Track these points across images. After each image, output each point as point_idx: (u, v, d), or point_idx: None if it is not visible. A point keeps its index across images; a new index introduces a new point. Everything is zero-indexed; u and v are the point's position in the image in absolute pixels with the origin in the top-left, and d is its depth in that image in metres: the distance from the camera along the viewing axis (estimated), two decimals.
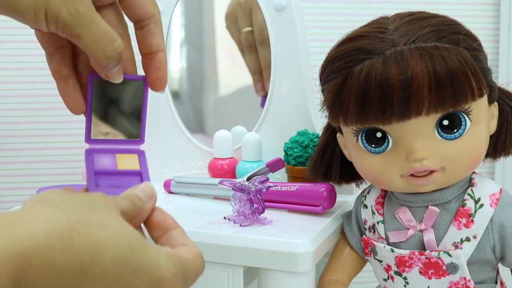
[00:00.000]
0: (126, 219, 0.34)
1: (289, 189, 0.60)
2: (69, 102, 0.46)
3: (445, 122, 0.46)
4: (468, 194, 0.49)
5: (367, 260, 0.56)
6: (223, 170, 0.71)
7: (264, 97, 0.74)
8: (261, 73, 0.75)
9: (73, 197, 0.32)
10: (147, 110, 0.46)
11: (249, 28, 0.74)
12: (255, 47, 0.73)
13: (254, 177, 0.56)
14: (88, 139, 0.47)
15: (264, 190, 0.54)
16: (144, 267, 0.32)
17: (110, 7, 0.43)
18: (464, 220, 0.48)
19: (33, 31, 0.42)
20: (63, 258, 0.28)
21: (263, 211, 0.55)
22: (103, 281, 0.30)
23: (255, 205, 0.54)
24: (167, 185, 0.71)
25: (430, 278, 0.49)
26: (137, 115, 0.46)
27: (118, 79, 0.43)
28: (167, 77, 0.46)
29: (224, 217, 0.56)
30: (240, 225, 0.54)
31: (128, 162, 0.46)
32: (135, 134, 0.47)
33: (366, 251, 0.54)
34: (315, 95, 0.63)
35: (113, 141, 0.47)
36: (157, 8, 0.44)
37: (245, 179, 0.58)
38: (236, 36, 0.77)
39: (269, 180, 0.56)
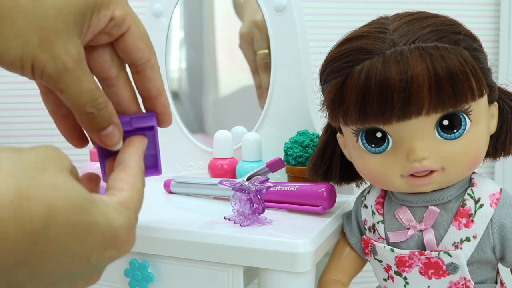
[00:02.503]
0: (74, 177, 0.34)
1: (289, 189, 0.60)
2: (71, 139, 0.46)
3: (445, 122, 0.46)
4: (468, 194, 0.49)
5: (367, 260, 0.56)
6: (223, 170, 0.71)
7: None
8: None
9: (21, 157, 0.31)
10: (159, 142, 0.47)
11: (266, 51, 0.74)
12: (270, 67, 0.73)
13: (254, 177, 0.56)
14: (105, 176, 0.46)
15: (264, 190, 0.54)
16: (96, 226, 0.32)
17: (105, 47, 0.43)
18: (464, 220, 0.48)
19: None
20: (14, 228, 0.28)
21: (263, 211, 0.55)
22: (55, 245, 0.30)
23: (255, 205, 0.54)
24: (167, 185, 0.71)
25: (430, 278, 0.49)
26: (151, 147, 0.46)
27: (115, 146, 0.42)
28: (171, 113, 0.47)
29: (224, 217, 0.56)
30: (240, 225, 0.54)
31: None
32: (152, 165, 0.47)
33: (366, 251, 0.54)
34: (315, 95, 0.63)
35: None
36: (153, 52, 0.44)
37: (245, 179, 0.58)
38: (250, 56, 0.77)
39: (269, 180, 0.56)
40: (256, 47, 0.76)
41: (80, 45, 0.39)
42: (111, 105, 0.41)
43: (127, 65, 0.45)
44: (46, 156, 0.33)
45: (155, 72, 0.44)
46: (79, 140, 0.46)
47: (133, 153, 0.42)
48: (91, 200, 0.33)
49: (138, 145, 0.43)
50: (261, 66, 0.76)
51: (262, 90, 0.76)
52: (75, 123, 0.44)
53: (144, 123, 0.45)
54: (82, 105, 0.39)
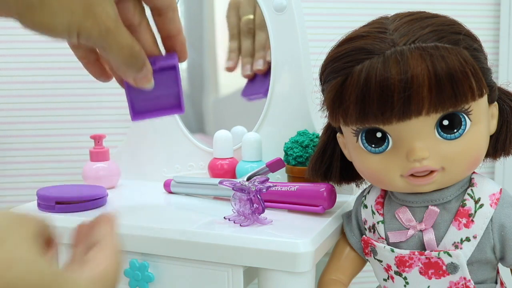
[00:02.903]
0: (41, 241, 0.32)
1: (289, 189, 0.60)
2: (98, 77, 0.51)
3: (445, 122, 0.46)
4: (468, 194, 0.49)
5: (367, 260, 0.56)
6: (223, 170, 0.71)
7: (250, 80, 0.76)
8: (253, 56, 0.77)
9: None
10: (181, 80, 0.51)
11: (251, 16, 0.75)
12: (253, 32, 0.74)
13: (254, 177, 0.56)
14: (133, 113, 0.50)
15: (264, 190, 0.54)
16: None
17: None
18: (464, 220, 0.48)
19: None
20: None
21: (263, 211, 0.55)
22: None
23: (255, 205, 0.54)
24: (167, 185, 0.71)
25: (430, 278, 0.49)
26: (174, 85, 0.51)
27: (148, 85, 0.47)
28: (186, 50, 0.51)
29: (224, 217, 0.56)
30: (240, 225, 0.54)
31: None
32: (175, 104, 0.51)
33: (366, 251, 0.54)
34: (315, 95, 0.63)
35: (155, 112, 0.51)
36: None
37: (245, 179, 0.58)
38: (233, 22, 0.78)
39: (269, 180, 0.56)
40: (241, 13, 0.77)
41: (114, 6, 0.43)
42: (143, 51, 0.46)
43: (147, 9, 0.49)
44: (5, 224, 0.30)
45: (175, 14, 0.48)
46: (104, 77, 0.51)
47: (109, 232, 0.40)
48: (57, 275, 0.30)
49: (112, 223, 0.42)
50: (243, 31, 0.77)
51: (237, 54, 0.77)
52: (101, 66, 0.50)
53: (167, 62, 0.49)
54: (123, 57, 0.44)
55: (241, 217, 0.55)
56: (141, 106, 0.51)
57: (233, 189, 0.55)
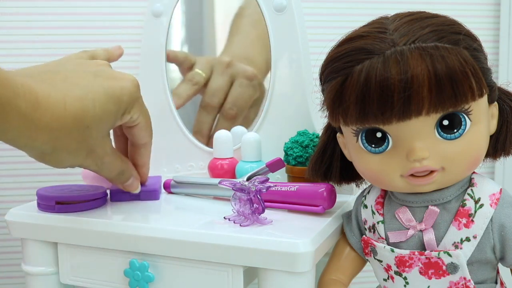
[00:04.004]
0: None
1: (289, 189, 0.60)
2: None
3: (445, 122, 0.46)
4: (468, 194, 0.49)
5: (367, 260, 0.56)
6: (223, 170, 0.71)
7: None
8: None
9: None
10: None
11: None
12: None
13: (254, 177, 0.56)
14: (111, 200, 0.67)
15: (264, 190, 0.54)
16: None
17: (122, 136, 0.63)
18: (464, 220, 0.48)
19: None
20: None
21: (263, 211, 0.55)
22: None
23: (255, 205, 0.54)
24: (167, 185, 0.71)
25: (430, 278, 0.49)
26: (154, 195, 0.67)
27: (134, 191, 0.62)
28: (145, 180, 0.65)
29: (224, 217, 0.56)
30: (240, 225, 0.54)
31: None
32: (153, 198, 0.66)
33: (366, 251, 0.54)
34: (315, 95, 0.62)
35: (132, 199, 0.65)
36: (151, 136, 0.61)
37: (245, 179, 0.58)
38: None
39: (269, 180, 0.56)
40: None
41: (110, 141, 0.55)
42: (131, 166, 0.60)
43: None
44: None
45: (146, 151, 0.62)
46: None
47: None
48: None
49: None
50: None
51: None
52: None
53: (151, 187, 0.67)
54: (112, 176, 0.58)
55: (241, 217, 0.55)
56: (120, 197, 0.65)
57: (233, 189, 0.55)
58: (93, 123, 0.49)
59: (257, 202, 0.54)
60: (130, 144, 0.61)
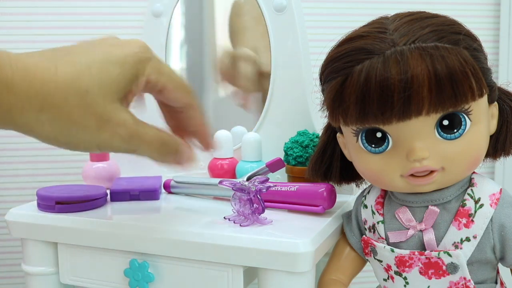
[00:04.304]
0: None
1: (289, 189, 0.60)
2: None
3: (445, 122, 0.46)
4: (468, 194, 0.49)
5: (367, 260, 0.56)
6: (223, 170, 0.71)
7: None
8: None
9: None
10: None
11: None
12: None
13: (254, 177, 0.56)
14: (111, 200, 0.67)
15: (264, 190, 0.54)
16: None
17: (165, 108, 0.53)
18: (464, 220, 0.48)
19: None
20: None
21: (263, 211, 0.55)
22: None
23: (255, 205, 0.54)
24: (167, 185, 0.71)
25: (430, 278, 0.49)
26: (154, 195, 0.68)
27: (192, 161, 0.51)
28: (211, 141, 0.54)
29: (224, 217, 0.56)
30: (240, 225, 0.54)
31: None
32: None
33: (366, 251, 0.54)
34: (315, 95, 0.63)
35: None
36: (191, 96, 0.50)
37: (245, 179, 0.58)
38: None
39: (269, 180, 0.56)
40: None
41: (129, 111, 0.46)
42: (174, 136, 0.49)
43: None
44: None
45: (195, 112, 0.51)
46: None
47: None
48: None
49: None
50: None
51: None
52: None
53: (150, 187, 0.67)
54: (155, 150, 0.47)
55: (241, 217, 0.55)
56: (120, 197, 0.65)
57: (233, 189, 0.55)
58: (92, 87, 0.43)
59: (257, 202, 0.54)
60: (175, 113, 0.52)
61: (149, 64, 0.47)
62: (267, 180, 0.55)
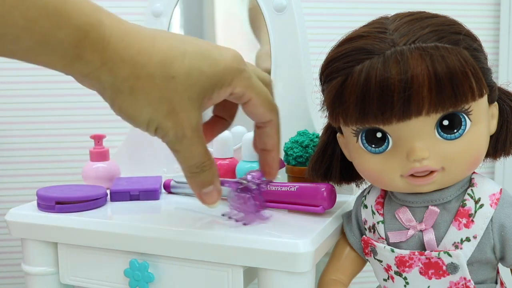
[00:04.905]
0: None
1: (289, 189, 0.60)
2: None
3: (445, 122, 0.46)
4: (468, 194, 0.49)
5: (367, 260, 0.56)
6: (223, 170, 0.71)
7: None
8: None
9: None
10: None
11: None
12: None
13: (248, 173, 0.56)
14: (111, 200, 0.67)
15: (265, 187, 0.54)
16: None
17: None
18: (464, 220, 0.48)
19: None
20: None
21: (263, 207, 0.55)
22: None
23: (256, 202, 0.54)
24: (167, 185, 0.71)
25: (430, 278, 0.49)
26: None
27: (211, 204, 0.48)
28: (277, 170, 0.53)
29: (223, 214, 0.56)
30: (243, 223, 0.54)
31: None
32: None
33: (366, 251, 0.54)
34: (315, 95, 0.63)
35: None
36: (274, 113, 0.51)
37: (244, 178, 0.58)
38: None
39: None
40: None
41: (200, 116, 0.45)
42: (215, 169, 0.48)
43: None
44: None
45: (273, 130, 0.51)
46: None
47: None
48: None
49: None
50: None
51: None
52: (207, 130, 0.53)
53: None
54: (191, 165, 0.46)
55: (241, 214, 0.55)
56: (120, 197, 0.65)
57: (236, 190, 0.55)
58: (179, 74, 0.43)
59: (257, 199, 0.54)
60: (255, 127, 0.52)
61: (239, 76, 0.46)
62: (262, 175, 0.56)
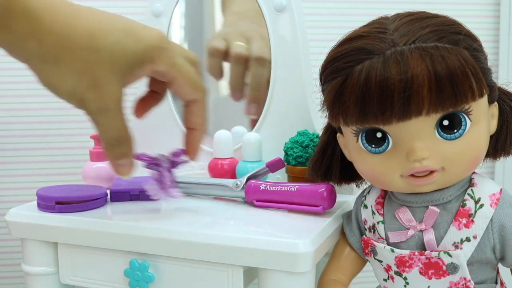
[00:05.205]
0: None
1: (289, 189, 0.60)
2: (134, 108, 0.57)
3: (445, 122, 0.46)
4: (468, 194, 0.49)
5: (367, 260, 0.56)
6: (223, 170, 0.71)
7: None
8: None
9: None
10: None
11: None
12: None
13: (170, 152, 0.58)
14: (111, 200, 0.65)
15: (179, 165, 0.57)
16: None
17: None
18: (464, 220, 0.48)
19: None
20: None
21: (173, 186, 0.57)
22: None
23: (163, 179, 0.57)
24: None
25: (430, 278, 0.49)
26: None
27: (123, 176, 0.50)
28: (199, 150, 0.55)
29: (143, 187, 0.59)
30: (149, 195, 0.57)
31: None
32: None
33: (366, 251, 0.54)
34: (315, 95, 0.63)
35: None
36: (201, 93, 0.52)
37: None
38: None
39: (269, 180, 0.56)
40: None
41: (122, 89, 0.47)
42: (132, 143, 0.50)
43: None
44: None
45: (199, 109, 0.53)
46: (136, 114, 0.57)
47: None
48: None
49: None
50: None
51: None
52: (142, 105, 0.56)
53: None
54: (110, 137, 0.48)
55: (156, 188, 0.57)
56: (120, 197, 0.65)
57: (146, 163, 0.57)
58: (105, 48, 0.45)
59: (166, 176, 0.57)
60: (182, 106, 0.54)
61: (162, 55, 0.48)
62: (180, 153, 0.57)
